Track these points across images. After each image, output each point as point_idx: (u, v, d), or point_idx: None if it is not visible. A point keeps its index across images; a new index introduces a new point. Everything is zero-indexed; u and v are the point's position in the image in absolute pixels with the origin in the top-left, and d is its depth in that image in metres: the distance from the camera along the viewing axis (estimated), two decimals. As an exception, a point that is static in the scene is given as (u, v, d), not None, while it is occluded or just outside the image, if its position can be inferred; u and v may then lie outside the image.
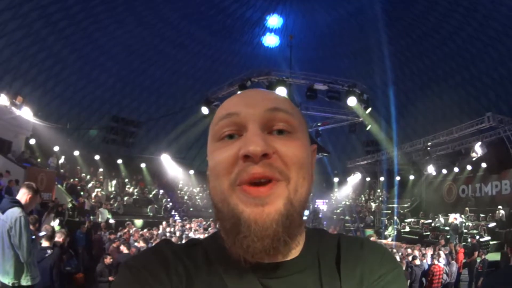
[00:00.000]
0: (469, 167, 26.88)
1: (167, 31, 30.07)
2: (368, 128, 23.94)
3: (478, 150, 21.96)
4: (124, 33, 28.69)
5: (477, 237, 18.37)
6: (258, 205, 0.85)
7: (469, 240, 19.02)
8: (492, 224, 21.34)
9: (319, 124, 25.47)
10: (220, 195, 0.91)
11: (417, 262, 12.69)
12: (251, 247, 0.86)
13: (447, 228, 22.28)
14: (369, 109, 20.75)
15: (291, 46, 26.35)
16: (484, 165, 24.01)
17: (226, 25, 31.22)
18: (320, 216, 29.34)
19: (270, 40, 33.43)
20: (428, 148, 24.73)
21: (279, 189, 0.87)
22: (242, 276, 0.92)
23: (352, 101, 19.02)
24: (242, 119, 0.92)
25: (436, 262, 12.28)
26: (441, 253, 13.06)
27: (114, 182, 28.80)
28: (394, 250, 15.95)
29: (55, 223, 14.92)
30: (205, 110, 21.32)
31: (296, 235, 0.94)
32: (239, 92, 1.07)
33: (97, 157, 30.65)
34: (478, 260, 14.27)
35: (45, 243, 7.55)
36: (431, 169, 27.95)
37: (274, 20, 32.00)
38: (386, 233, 26.44)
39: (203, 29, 30.86)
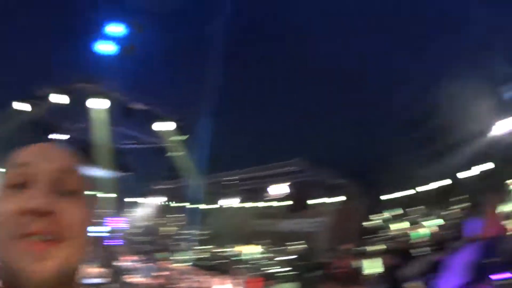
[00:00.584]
0: (271, 204, 28.38)
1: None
2: (175, 154, 24.46)
3: (282, 189, 23.51)
4: None
5: (272, 268, 19.60)
6: (37, 262, 0.82)
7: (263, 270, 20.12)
8: (288, 257, 22.68)
9: (128, 142, 25.41)
10: (1, 249, 0.87)
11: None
12: None
13: (242, 258, 23.49)
14: (186, 136, 21.21)
15: (125, 58, 25.90)
16: (286, 203, 25.68)
17: (63, 25, 30.04)
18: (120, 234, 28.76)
19: (106, 47, 32.62)
20: (234, 182, 25.70)
21: (59, 249, 0.85)
22: None
23: (163, 126, 19.83)
24: (32, 172, 0.90)
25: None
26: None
27: None
28: (191, 276, 16.46)
29: None
30: (24, 107, 20.79)
31: None
32: (33, 145, 1.01)
33: None
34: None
35: None
36: (232, 201, 29.38)
37: (114, 28, 31.36)
38: (182, 257, 26.81)
39: (40, 26, 29.40)
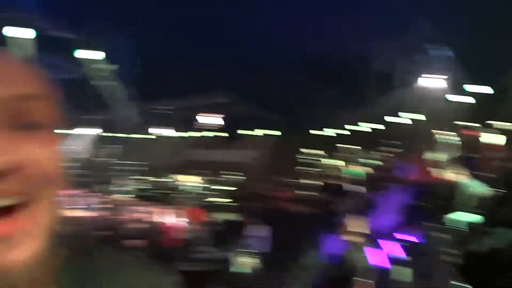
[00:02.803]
0: (203, 134, 28.90)
1: None
2: (105, 83, 24.80)
3: (214, 120, 23.92)
4: None
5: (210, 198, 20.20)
6: (3, 250, 0.53)
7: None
8: (223, 188, 23.35)
9: (52, 72, 24.07)
10: None
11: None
12: None
13: (181, 188, 24.04)
14: (114, 66, 20.86)
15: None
16: (219, 134, 26.19)
17: None
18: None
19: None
20: (165, 111, 25.81)
21: (29, 220, 0.55)
22: None
23: (94, 55, 19.92)
24: None
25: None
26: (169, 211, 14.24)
27: None
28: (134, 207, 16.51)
29: None
30: None
31: (52, 274, 0.63)
32: None
33: None
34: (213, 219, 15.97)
35: None
36: (166, 131, 29.73)
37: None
38: (123, 189, 26.78)
39: None
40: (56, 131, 0.64)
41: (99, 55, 18.92)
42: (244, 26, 24.75)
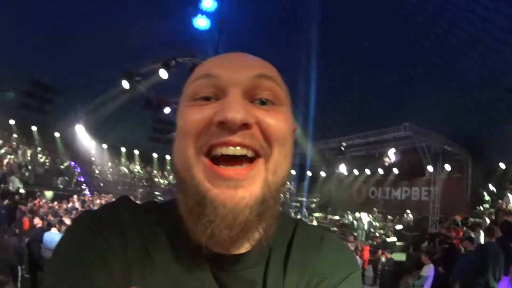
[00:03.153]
0: (380, 171, 27.97)
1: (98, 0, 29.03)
2: None
3: (391, 156, 22.73)
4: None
5: (383, 237, 19.16)
6: (230, 187, 0.76)
7: (375, 239, 19.71)
8: (399, 227, 22.24)
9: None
10: (183, 161, 0.81)
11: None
12: (216, 235, 0.77)
13: (354, 225, 23.03)
14: (289, 101, 20.73)
15: (221, 31, 26.21)
16: (396, 171, 24.94)
17: (158, 1, 30.58)
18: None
19: (201, 22, 33.05)
20: (342, 148, 25.22)
21: (257, 169, 0.79)
22: (196, 264, 0.83)
23: None
24: (222, 83, 0.82)
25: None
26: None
27: (27, 150, 27.39)
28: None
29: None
30: (125, 85, 20.80)
31: (270, 225, 0.84)
32: (222, 54, 0.94)
33: (12, 121, 29.13)
34: (383, 258, 14.94)
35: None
36: (343, 168, 28.74)
37: (208, 3, 31.65)
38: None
39: (133, 3, 30.07)
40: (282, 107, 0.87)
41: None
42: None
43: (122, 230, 0.82)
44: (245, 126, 0.77)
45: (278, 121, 0.82)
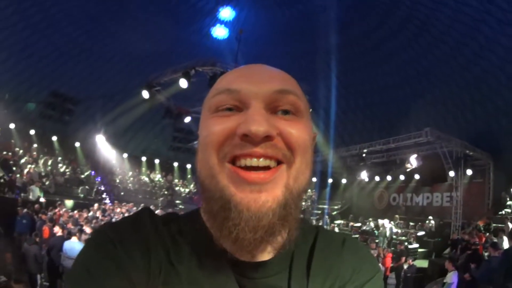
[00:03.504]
0: (402, 177, 27.76)
1: (117, 9, 29.24)
2: None
3: (413, 162, 22.56)
4: (74, 6, 27.39)
5: (406, 243, 18.96)
6: (254, 191, 0.78)
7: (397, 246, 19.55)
8: (421, 233, 22.05)
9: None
10: (207, 170, 0.83)
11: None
12: (241, 238, 0.79)
13: (376, 232, 22.86)
14: (309, 110, 20.66)
15: (239, 40, 26.26)
16: (417, 176, 24.74)
17: (178, 11, 30.73)
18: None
19: (220, 32, 33.21)
20: (363, 155, 25.08)
21: (280, 175, 0.81)
22: (220, 272, 0.85)
23: None
24: (244, 97, 0.84)
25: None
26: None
27: (48, 159, 27.64)
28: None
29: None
30: (145, 94, 21.00)
31: (293, 228, 0.87)
32: (242, 66, 0.96)
33: (32, 132, 29.53)
34: (405, 265, 14.80)
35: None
36: (364, 175, 28.59)
37: (226, 12, 31.78)
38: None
39: (152, 13, 30.27)
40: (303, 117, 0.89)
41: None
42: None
43: (145, 242, 0.84)
44: (268, 138, 0.79)
45: (299, 131, 0.84)
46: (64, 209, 17.27)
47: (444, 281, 10.81)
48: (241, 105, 0.84)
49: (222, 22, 32.67)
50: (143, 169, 36.29)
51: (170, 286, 0.81)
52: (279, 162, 0.82)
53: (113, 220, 16.92)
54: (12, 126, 27.81)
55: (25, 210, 15.04)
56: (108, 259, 0.78)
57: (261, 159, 0.80)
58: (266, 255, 0.88)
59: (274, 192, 0.79)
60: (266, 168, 0.80)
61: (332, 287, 0.91)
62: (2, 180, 19.15)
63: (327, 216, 28.98)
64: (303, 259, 0.93)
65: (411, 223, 24.55)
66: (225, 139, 0.81)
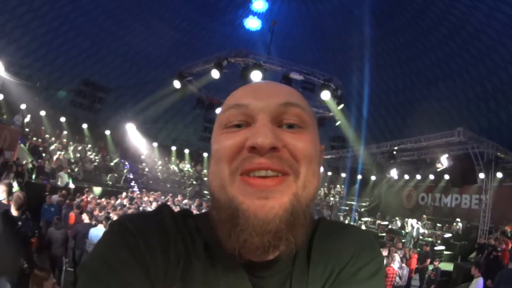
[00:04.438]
0: (431, 177, 27.53)
1: (150, 1, 29.49)
2: (338, 123, 23.24)
3: (443, 161, 22.19)
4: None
5: (432, 245, 18.73)
6: (261, 198, 0.81)
7: (423, 247, 19.31)
8: (447, 235, 21.75)
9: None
10: (218, 181, 0.86)
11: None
12: (248, 242, 0.81)
13: (403, 232, 22.65)
14: (341, 106, 20.48)
15: (272, 32, 26.19)
16: (447, 177, 24.37)
17: (210, 2, 30.79)
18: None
19: (252, 23, 33.16)
20: (394, 152, 24.77)
21: (287, 184, 0.83)
22: (234, 271, 0.89)
23: (325, 95, 18.44)
24: (251, 111, 0.88)
25: (391, 264, 12.30)
26: (396, 255, 13.11)
27: (78, 146, 28.04)
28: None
29: (15, 184, 14.57)
30: (177, 84, 21.04)
31: (300, 234, 0.87)
32: (251, 84, 1.01)
33: (63, 119, 30.00)
34: (430, 267, 14.62)
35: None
36: (393, 173, 28.32)
37: (259, 4, 31.72)
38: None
39: (185, 4, 30.38)
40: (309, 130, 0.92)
41: (328, 95, 18.65)
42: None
43: (164, 234, 0.87)
44: (274, 149, 0.82)
45: (304, 143, 0.87)
46: (91, 196, 17.48)
47: (469, 287, 10.63)
48: (249, 120, 0.88)
49: (255, 14, 32.63)
50: (173, 158, 36.52)
51: (187, 280, 0.85)
52: (286, 173, 0.84)
53: (141, 208, 17.15)
54: (42, 113, 28.25)
55: (54, 196, 15.28)
56: (126, 250, 0.81)
57: (268, 171, 0.83)
58: (272, 256, 0.90)
59: (281, 199, 0.81)
60: (274, 178, 0.83)
61: (332, 272, 0.94)
62: (30, 166, 19.48)
63: (356, 213, 28.79)
64: (304, 251, 0.97)
65: (438, 224, 24.27)
66: (235, 153, 0.85)
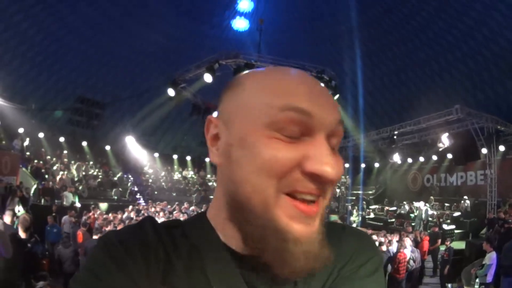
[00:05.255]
0: (434, 157, 27.74)
1: (135, 9, 29.44)
2: None
3: (445, 141, 22.23)
4: (92, 10, 27.80)
5: (442, 225, 18.75)
6: (307, 224, 0.80)
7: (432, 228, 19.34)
8: (456, 214, 21.79)
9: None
10: (261, 197, 0.79)
11: (384, 248, 12.79)
12: (297, 268, 0.79)
13: (411, 215, 22.65)
14: (337, 96, 20.51)
15: (260, 30, 26.28)
16: (450, 156, 24.40)
17: (196, 6, 30.80)
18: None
19: (240, 24, 33.23)
20: (395, 137, 24.77)
21: (322, 207, 0.83)
22: (226, 271, 0.86)
23: None
24: (312, 123, 0.79)
25: (402, 249, 12.31)
26: (407, 240, 13.13)
27: (81, 165, 28.03)
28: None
29: (20, 208, 14.59)
30: (171, 92, 21.32)
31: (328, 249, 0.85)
32: (298, 75, 0.87)
33: (62, 139, 29.90)
34: (443, 248, 14.62)
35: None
36: (396, 158, 28.41)
37: (244, 4, 31.80)
38: (351, 219, 26.46)
39: (171, 9, 30.41)
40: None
41: (333, 88, 18.82)
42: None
43: (145, 242, 0.87)
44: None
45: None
46: (98, 212, 17.48)
47: (483, 262, 10.64)
48: (307, 131, 0.79)
49: (241, 14, 32.71)
50: (175, 166, 36.55)
51: (168, 281, 0.84)
52: (318, 196, 0.83)
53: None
54: (41, 135, 28.18)
55: (65, 217, 15.32)
56: (110, 259, 0.81)
57: (311, 196, 0.81)
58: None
59: (317, 223, 0.82)
60: (316, 203, 0.82)
61: (334, 269, 0.95)
62: (35, 188, 19.52)
63: (364, 202, 28.85)
64: None
65: (446, 204, 24.31)
66: (287, 170, 0.78)
